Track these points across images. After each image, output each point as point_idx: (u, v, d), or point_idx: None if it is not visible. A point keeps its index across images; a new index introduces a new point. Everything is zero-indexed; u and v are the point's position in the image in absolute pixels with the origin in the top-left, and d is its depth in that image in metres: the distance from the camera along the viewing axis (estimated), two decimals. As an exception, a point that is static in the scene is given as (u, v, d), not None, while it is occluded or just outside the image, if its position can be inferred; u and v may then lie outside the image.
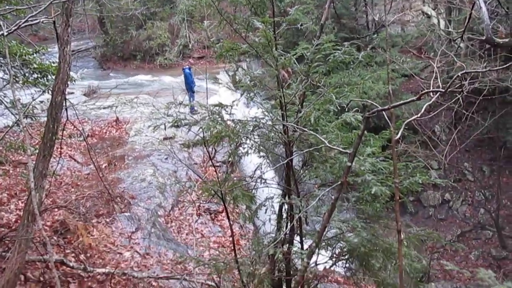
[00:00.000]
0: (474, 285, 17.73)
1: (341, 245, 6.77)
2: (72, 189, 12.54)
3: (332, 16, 23.46)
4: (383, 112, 5.00)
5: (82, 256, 9.66)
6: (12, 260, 6.68)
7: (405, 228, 7.82)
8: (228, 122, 6.23)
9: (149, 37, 31.68)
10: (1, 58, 8.80)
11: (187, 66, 19.36)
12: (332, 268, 7.38)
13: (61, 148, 11.83)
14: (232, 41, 6.34)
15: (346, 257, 6.95)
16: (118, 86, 22.74)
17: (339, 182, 4.28)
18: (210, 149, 14.16)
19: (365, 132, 6.26)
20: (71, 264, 8.93)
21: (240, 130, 6.05)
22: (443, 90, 3.82)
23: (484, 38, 9.87)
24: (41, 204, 8.72)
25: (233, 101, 6.36)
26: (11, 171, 12.54)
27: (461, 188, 22.37)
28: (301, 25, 6.00)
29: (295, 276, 5.26)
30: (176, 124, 6.05)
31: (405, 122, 4.87)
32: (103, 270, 9.29)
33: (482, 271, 3.73)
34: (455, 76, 3.54)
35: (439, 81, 5.18)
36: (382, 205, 6.59)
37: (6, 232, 8.74)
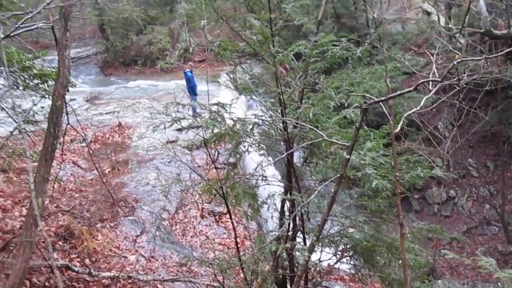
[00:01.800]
0: (481, 281, 17.67)
1: (345, 241, 6.75)
2: (76, 195, 12.56)
3: (332, 16, 23.51)
4: (383, 108, 4.98)
5: (87, 261, 9.69)
6: (16, 265, 6.69)
7: (409, 224, 7.78)
8: (228, 121, 6.23)
9: (150, 42, 31.78)
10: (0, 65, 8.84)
11: (188, 69, 19.35)
12: (336, 266, 7.36)
13: (63, 154, 11.84)
14: (230, 40, 6.35)
15: (350, 253, 6.93)
16: (120, 92, 22.84)
17: (338, 175, 4.28)
18: (212, 151, 14.21)
19: (366, 127, 6.27)
20: (76, 269, 8.96)
21: (240, 128, 6.05)
22: (440, 80, 3.82)
23: (482, 30, 9.90)
24: (44, 209, 8.76)
25: (232, 100, 6.36)
26: (14, 178, 12.56)
27: (466, 184, 22.32)
28: (298, 21, 6.00)
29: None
30: (176, 122, 6.03)
31: (405, 115, 4.85)
32: (108, 274, 9.31)
33: (483, 259, 3.72)
34: (451, 65, 3.54)
35: (437, 74, 5.15)
36: (385, 200, 6.56)
37: (10, 238, 8.76)
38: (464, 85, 15.50)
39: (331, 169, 6.11)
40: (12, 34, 5.05)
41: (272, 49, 5.60)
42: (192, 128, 6.59)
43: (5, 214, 10.54)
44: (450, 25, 20.00)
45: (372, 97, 4.56)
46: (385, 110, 4.92)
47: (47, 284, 8.42)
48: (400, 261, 6.53)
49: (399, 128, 4.68)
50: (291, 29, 23.33)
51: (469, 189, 22.19)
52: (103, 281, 9.15)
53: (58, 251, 9.55)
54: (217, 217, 13.38)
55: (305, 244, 6.42)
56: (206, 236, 12.61)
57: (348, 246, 6.79)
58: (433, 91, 4.54)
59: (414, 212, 22.12)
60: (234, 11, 23.27)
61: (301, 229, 6.39)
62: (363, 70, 6.54)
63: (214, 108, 6.33)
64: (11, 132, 8.04)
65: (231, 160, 6.97)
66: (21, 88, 9.32)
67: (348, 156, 4.14)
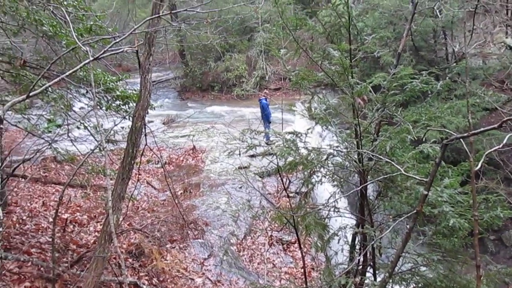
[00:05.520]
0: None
1: (416, 279, 6.54)
2: (148, 214, 12.86)
3: (411, 49, 23.20)
4: (463, 145, 4.84)
5: (155, 280, 9.85)
6: (88, 279, 6.89)
7: (485, 266, 7.45)
8: (302, 150, 6.23)
9: (227, 69, 32.35)
10: (86, 86, 9.25)
11: (263, 97, 19.53)
12: (406, 304, 7.12)
13: (139, 174, 12.18)
14: (309, 70, 6.39)
15: (421, 293, 6.71)
16: (196, 116, 23.36)
17: (414, 211, 4.18)
18: (284, 180, 14.24)
19: (443, 163, 6.10)
20: (144, 287, 9.10)
21: (314, 158, 6.03)
22: (526, 118, 3.67)
23: None
24: (118, 226, 9.01)
25: (308, 129, 6.37)
26: (91, 195, 13.04)
27: (548, 228, 21.22)
28: (378, 53, 5.97)
29: (367, 309, 5.13)
30: (250, 149, 6.10)
31: (486, 153, 4.69)
32: (175, 294, 9.43)
33: None
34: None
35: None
36: (461, 240, 6.33)
37: (84, 252, 9.04)
38: (550, 124, 14.84)
39: (405, 204, 5.97)
40: (100, 57, 5.28)
41: (351, 80, 5.59)
42: (266, 155, 6.63)
43: (81, 228, 10.93)
44: (535, 62, 19.29)
45: (451, 132, 4.45)
46: (464, 147, 4.78)
47: (116, 299, 8.62)
48: (474, 305, 6.25)
49: (479, 166, 4.53)
50: (368, 61, 23.21)
51: (551, 233, 21.06)
52: (170, 301, 9.28)
53: (128, 268, 9.77)
54: (285, 245, 13.32)
55: (375, 279, 6.27)
56: (273, 264, 12.56)
57: (420, 285, 6.56)
58: (517, 130, 4.38)
59: (489, 253, 21.15)
60: (312, 41, 23.43)
61: (372, 264, 6.26)
62: (443, 105, 6.39)
63: (289, 136, 6.36)
64: (92, 150, 8.35)
65: (304, 189, 6.94)
66: (104, 108, 9.70)
67: (426, 192, 4.04)
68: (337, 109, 6.59)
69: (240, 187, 15.23)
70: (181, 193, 14.83)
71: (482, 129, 4.08)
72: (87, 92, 9.56)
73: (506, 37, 26.27)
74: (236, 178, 15.57)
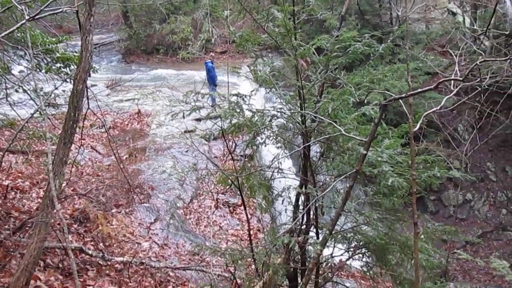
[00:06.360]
0: (494, 286, 17.52)
1: (357, 238, 6.73)
2: (93, 179, 12.68)
3: (356, 13, 23.40)
4: (403, 107, 4.96)
5: (101, 245, 9.77)
6: (31, 245, 6.77)
7: (423, 224, 7.73)
8: (247, 112, 6.24)
9: (173, 31, 31.87)
10: (24, 47, 8.92)
11: (209, 60, 19.40)
12: (348, 262, 7.33)
13: (82, 138, 11.95)
14: (253, 31, 6.35)
15: (362, 250, 6.90)
16: (141, 79, 22.97)
17: (354, 170, 4.27)
18: (230, 143, 14.27)
19: (385, 125, 6.24)
20: (90, 252, 9.02)
21: (258, 120, 6.05)
22: (461, 79, 3.79)
23: (508, 32, 9.77)
24: (61, 191, 8.84)
25: (252, 91, 6.37)
26: (33, 160, 12.72)
27: (483, 188, 22.11)
28: (321, 15, 5.98)
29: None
30: (195, 111, 6.06)
31: (424, 114, 4.82)
32: (121, 259, 9.38)
33: (496, 261, 3.68)
34: (473, 65, 3.51)
35: (459, 74, 5.10)
36: (400, 199, 6.52)
37: (27, 219, 8.85)
38: (486, 87, 15.32)
39: (347, 165, 6.09)
40: (37, 17, 5.09)
41: (294, 42, 5.60)
42: (211, 118, 6.61)
43: (23, 195, 10.67)
44: (475, 27, 19.78)
45: (392, 94, 4.54)
46: (405, 109, 4.89)
47: (60, 265, 8.49)
48: (412, 261, 6.49)
49: (418, 127, 4.66)
50: (314, 24, 23.29)
51: (486, 193, 21.97)
52: (116, 265, 9.23)
53: (73, 234, 9.64)
54: (231, 208, 13.44)
55: (318, 238, 6.42)
56: (220, 226, 12.68)
57: (361, 243, 6.76)
58: (454, 91, 4.51)
59: (429, 213, 21.97)
60: (258, 3, 23.26)
61: (315, 223, 6.39)
62: (384, 68, 6.49)
63: (233, 99, 6.35)
64: (32, 114, 8.11)
65: (248, 151, 6.98)
66: (43, 71, 9.40)
67: (365, 152, 4.13)
68: (281, 72, 6.60)
69: (186, 151, 15.19)
70: (126, 158, 14.67)
71: (419, 90, 4.18)
72: (25, 54, 9.23)
73: (449, 2, 26.78)
74: (182, 142, 15.50)
